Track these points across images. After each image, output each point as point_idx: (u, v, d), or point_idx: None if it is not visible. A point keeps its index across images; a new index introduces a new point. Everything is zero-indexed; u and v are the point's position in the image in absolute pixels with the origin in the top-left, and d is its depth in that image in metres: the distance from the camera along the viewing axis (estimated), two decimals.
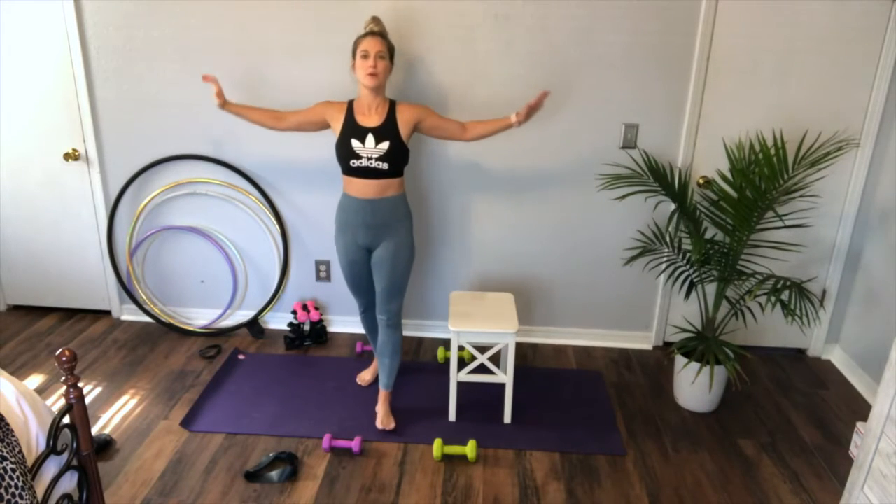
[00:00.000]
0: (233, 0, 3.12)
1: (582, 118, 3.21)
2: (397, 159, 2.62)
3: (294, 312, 3.57)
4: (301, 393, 3.13)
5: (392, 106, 2.65)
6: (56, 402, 3.02)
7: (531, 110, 2.70)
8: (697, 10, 3.01)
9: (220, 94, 2.76)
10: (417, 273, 3.57)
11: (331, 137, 3.14)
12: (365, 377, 3.22)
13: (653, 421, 3.01)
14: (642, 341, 3.65)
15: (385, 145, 2.59)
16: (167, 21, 3.18)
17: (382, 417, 2.89)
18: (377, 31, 2.60)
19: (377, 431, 2.87)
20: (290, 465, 2.62)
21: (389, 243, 2.72)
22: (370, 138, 2.59)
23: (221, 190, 3.50)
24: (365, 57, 2.53)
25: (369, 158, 2.58)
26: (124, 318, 3.82)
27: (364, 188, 2.63)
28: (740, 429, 2.97)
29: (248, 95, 3.26)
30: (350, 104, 2.67)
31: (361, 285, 2.88)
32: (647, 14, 3.02)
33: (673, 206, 3.25)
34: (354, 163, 2.60)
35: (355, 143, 2.59)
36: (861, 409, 3.13)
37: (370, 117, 2.62)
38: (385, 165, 2.60)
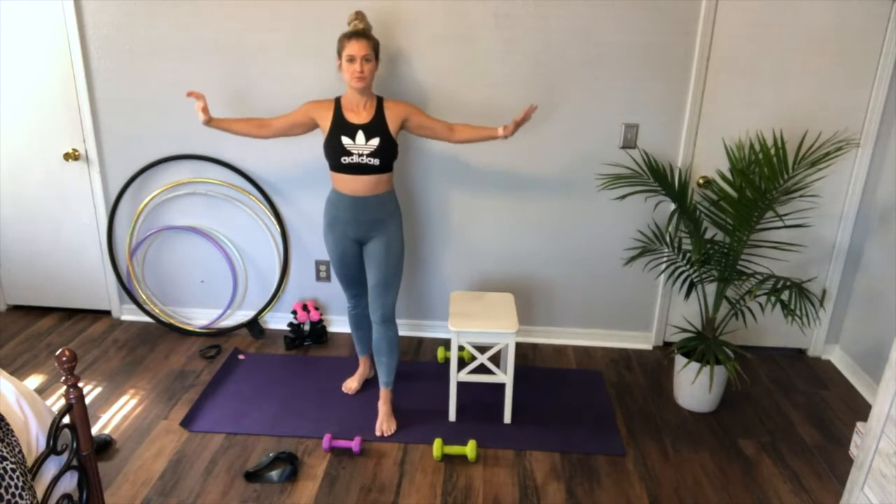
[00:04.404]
0: (233, 0, 3.12)
1: (582, 118, 3.22)
2: (388, 154, 2.67)
3: (294, 312, 3.57)
4: (301, 393, 3.13)
5: (380, 102, 2.69)
6: (56, 402, 3.02)
7: (517, 125, 2.75)
8: (697, 10, 3.01)
9: (205, 110, 2.71)
10: (417, 273, 3.57)
11: None
12: (351, 385, 3.16)
13: (653, 421, 3.01)
14: (642, 341, 3.65)
15: (375, 141, 2.64)
16: (167, 21, 3.18)
17: (383, 420, 2.88)
18: (361, 31, 2.60)
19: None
20: (290, 465, 2.62)
21: (381, 238, 2.76)
22: (360, 135, 2.63)
23: (221, 190, 3.50)
24: (351, 61, 2.56)
25: (360, 155, 2.63)
26: (124, 318, 3.82)
27: (355, 185, 2.67)
28: (740, 429, 2.97)
29: (248, 95, 3.26)
30: (337, 101, 2.70)
31: (353, 276, 2.90)
32: (647, 14, 3.03)
33: (673, 206, 3.25)
34: (346, 160, 2.64)
35: (346, 140, 2.63)
36: (861, 409, 3.13)
37: (359, 114, 2.66)
38: (376, 161, 2.64)
